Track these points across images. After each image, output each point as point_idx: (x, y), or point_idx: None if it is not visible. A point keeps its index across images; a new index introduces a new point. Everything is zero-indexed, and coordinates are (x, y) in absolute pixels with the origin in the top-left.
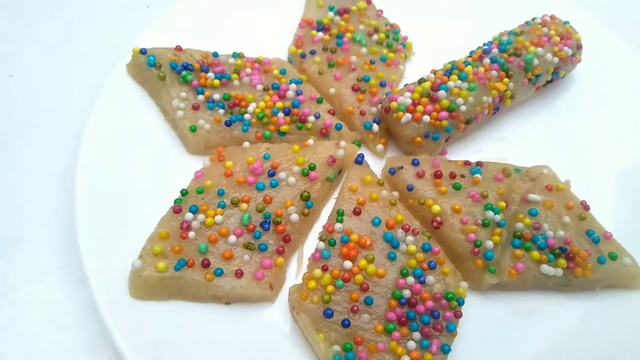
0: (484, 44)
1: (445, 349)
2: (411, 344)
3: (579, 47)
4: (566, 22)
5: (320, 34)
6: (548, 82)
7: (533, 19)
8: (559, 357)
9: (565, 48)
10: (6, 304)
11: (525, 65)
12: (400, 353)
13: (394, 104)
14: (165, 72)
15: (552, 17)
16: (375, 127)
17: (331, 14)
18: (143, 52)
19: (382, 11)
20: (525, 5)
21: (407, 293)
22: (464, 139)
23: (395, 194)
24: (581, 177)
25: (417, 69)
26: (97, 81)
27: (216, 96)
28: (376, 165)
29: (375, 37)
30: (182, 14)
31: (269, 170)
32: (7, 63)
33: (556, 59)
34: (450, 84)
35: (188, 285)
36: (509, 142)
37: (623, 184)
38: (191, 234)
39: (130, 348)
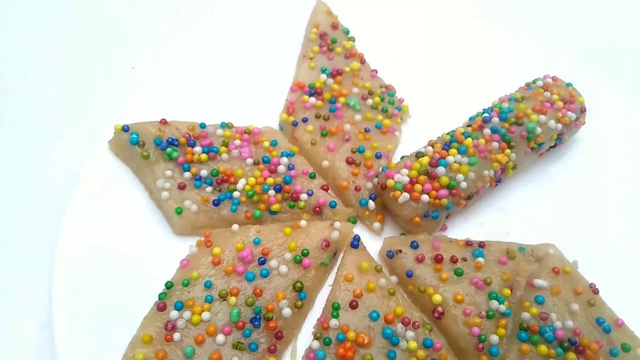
0: (484, 110)
1: None
2: None
3: (582, 111)
4: (569, 85)
5: (313, 99)
6: (551, 147)
7: (534, 81)
8: None
9: (569, 113)
10: None
11: (528, 135)
12: None
13: (390, 182)
14: (149, 151)
15: (554, 79)
16: (372, 204)
17: (324, 76)
18: (125, 129)
19: (376, 71)
20: (525, 64)
21: None
22: (464, 211)
23: (394, 278)
24: (588, 253)
25: (413, 132)
26: (80, 153)
27: (204, 172)
28: (373, 243)
29: (369, 101)
30: (167, 79)
31: (259, 258)
32: None
33: (560, 125)
34: (450, 159)
35: None
36: (511, 214)
37: (633, 259)
38: (176, 335)
39: None
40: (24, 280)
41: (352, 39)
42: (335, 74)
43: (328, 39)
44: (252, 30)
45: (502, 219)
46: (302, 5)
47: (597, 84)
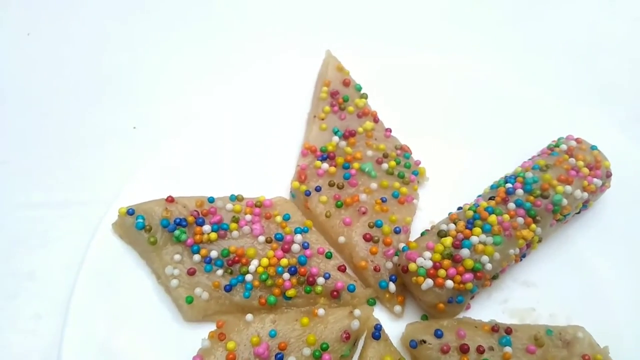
0: (507, 179)
1: None
2: None
3: (608, 176)
4: (594, 148)
5: (325, 164)
6: (576, 213)
7: (558, 145)
8: None
9: (595, 180)
10: None
11: (554, 208)
12: None
13: (412, 266)
14: (155, 235)
15: (579, 141)
16: (392, 286)
17: (336, 138)
18: (130, 212)
19: (390, 130)
20: (546, 121)
21: None
22: (487, 288)
23: None
24: (619, 334)
25: (431, 196)
26: (78, 233)
27: (214, 253)
28: (394, 325)
29: (385, 165)
30: (171, 148)
31: (277, 354)
32: None
33: (585, 194)
34: (474, 239)
35: None
36: (535, 287)
37: None
38: None
39: None
40: None
41: (365, 96)
42: (348, 135)
43: (339, 98)
44: (257, 90)
45: (526, 294)
46: (311, 58)
47: (620, 142)
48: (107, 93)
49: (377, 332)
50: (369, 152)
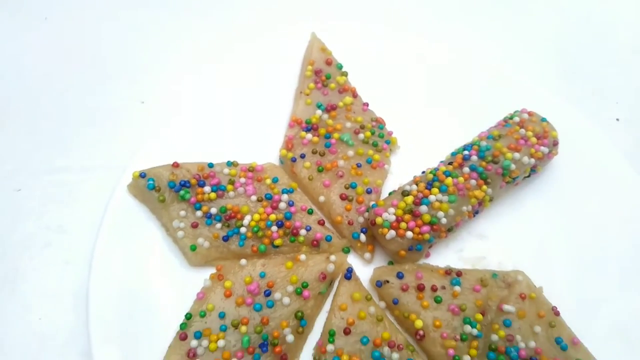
0: (465, 147)
1: None
2: None
3: (555, 144)
4: (544, 120)
5: (309, 135)
6: (526, 177)
7: (512, 117)
8: None
9: (542, 148)
10: None
11: (503, 171)
12: None
13: (379, 220)
14: (164, 194)
15: (530, 114)
16: (363, 237)
17: (319, 111)
18: (142, 176)
19: (367, 105)
20: (505, 97)
21: None
22: (444, 240)
23: (382, 304)
24: (553, 277)
25: (401, 164)
26: (99, 193)
27: (213, 210)
28: (364, 270)
29: (361, 135)
30: (176, 121)
31: (265, 290)
32: (15, 177)
33: (533, 160)
34: (432, 197)
35: None
36: (488, 240)
37: (594, 282)
38: None
39: None
40: (64, 314)
41: (345, 74)
42: (329, 109)
43: (323, 75)
44: (250, 69)
45: (479, 245)
46: (298, 40)
47: (571, 115)
48: (118, 72)
49: (349, 274)
50: (348, 124)
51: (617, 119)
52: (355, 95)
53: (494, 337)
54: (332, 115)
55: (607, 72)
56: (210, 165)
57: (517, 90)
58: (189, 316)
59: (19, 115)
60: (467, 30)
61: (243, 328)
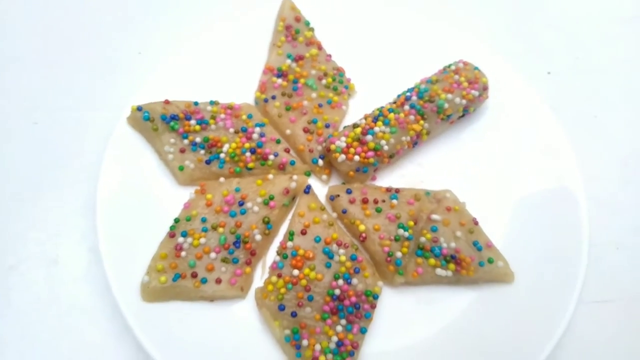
0: (408, 90)
1: (362, 331)
2: (339, 328)
3: (485, 89)
4: (476, 68)
5: (280, 80)
6: (460, 116)
7: (449, 66)
8: (452, 334)
9: (472, 91)
10: (48, 306)
11: (438, 109)
12: (331, 334)
13: (332, 146)
14: (157, 124)
15: (465, 64)
16: (320, 162)
17: (288, 61)
18: (139, 109)
19: (330, 56)
20: (448, 50)
21: (337, 292)
22: (390, 166)
23: (334, 214)
24: (476, 196)
25: (357, 105)
26: (103, 126)
27: (198, 139)
28: (322, 190)
29: (324, 81)
30: (168, 66)
31: (239, 201)
32: (33, 112)
33: (464, 101)
34: (376, 129)
35: (183, 291)
36: (426, 167)
37: (512, 202)
38: (183, 253)
39: (144, 335)
40: (76, 218)
41: (312, 30)
42: (297, 59)
43: (292, 30)
44: (234, 26)
45: (418, 172)
46: (274, 1)
47: (504, 67)
48: (120, 27)
49: (307, 189)
50: (313, 72)
51: (549, 72)
52: (320, 47)
53: (422, 239)
54: (299, 64)
55: (543, 33)
56: (196, 104)
57: (461, 46)
58: (177, 220)
59: (34, 63)
60: None
61: (220, 229)
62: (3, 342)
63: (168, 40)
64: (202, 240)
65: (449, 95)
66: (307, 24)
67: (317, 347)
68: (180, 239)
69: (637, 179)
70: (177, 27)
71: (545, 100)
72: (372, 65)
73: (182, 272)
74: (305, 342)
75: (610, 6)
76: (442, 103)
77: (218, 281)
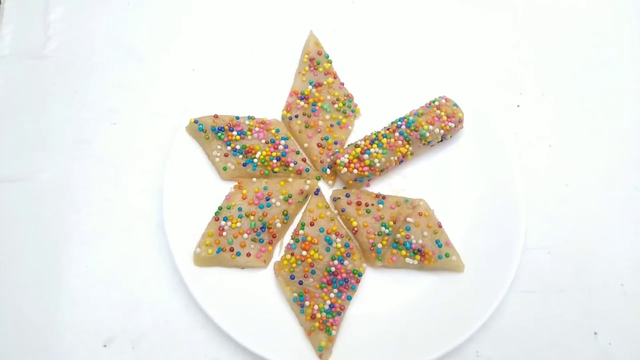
0: (399, 119)
1: (349, 298)
2: (332, 295)
3: (460, 121)
4: (455, 105)
5: (302, 102)
6: (439, 141)
7: (434, 101)
8: (414, 306)
9: (449, 123)
10: (122, 263)
11: (420, 137)
12: (326, 299)
13: (338, 161)
14: (208, 134)
15: (447, 99)
16: (328, 171)
17: (310, 87)
18: (196, 122)
19: (343, 84)
20: (435, 87)
21: (333, 269)
22: (381, 177)
23: (335, 212)
24: (445, 205)
25: (361, 126)
26: (166, 130)
27: (237, 147)
28: (328, 192)
29: (336, 105)
30: (216, 85)
31: (266, 197)
32: (111, 114)
33: (442, 131)
34: (372, 150)
35: (223, 260)
36: (408, 179)
37: (469, 211)
38: (224, 233)
39: (195, 289)
40: (147, 203)
41: (330, 62)
42: (317, 85)
43: (315, 62)
44: (268, 53)
45: (402, 182)
46: (302, 36)
47: (480, 101)
48: (174, 45)
49: (317, 192)
50: (328, 97)
51: (518, 105)
52: (335, 77)
53: (398, 236)
54: (318, 90)
55: (512, 68)
56: (237, 118)
57: (447, 81)
58: (220, 208)
59: (113, 74)
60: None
61: (251, 217)
62: (82, 294)
63: (217, 60)
64: (238, 224)
65: (430, 127)
66: (327, 56)
67: (315, 307)
68: (222, 222)
69: (573, 198)
70: (224, 49)
71: (510, 129)
72: (375, 95)
73: (223, 247)
74: (307, 303)
75: (576, 48)
76: (425, 132)
77: (248, 255)
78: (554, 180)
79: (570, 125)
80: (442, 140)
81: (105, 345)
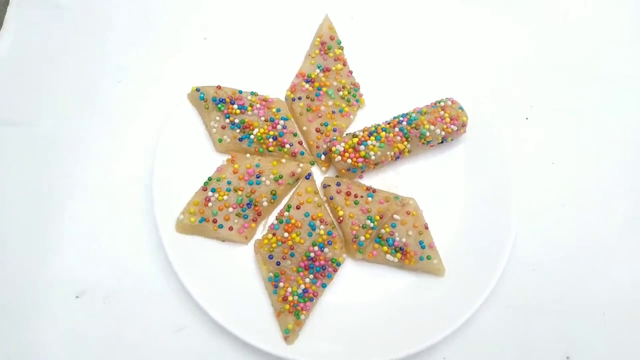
0: (402, 115)
1: (323, 285)
2: (307, 280)
3: (463, 125)
4: (460, 108)
5: (307, 85)
6: (439, 143)
7: (440, 101)
8: (388, 303)
9: (452, 126)
10: (105, 218)
11: (420, 136)
12: (301, 283)
13: (333, 148)
14: (208, 104)
15: (452, 101)
16: (323, 157)
17: (317, 70)
18: (197, 90)
19: (351, 72)
20: (443, 87)
21: (312, 255)
22: (375, 171)
23: (324, 198)
24: (434, 205)
25: (364, 117)
26: (171, 94)
27: (236, 120)
28: (319, 178)
29: (341, 92)
30: (224, 56)
31: (257, 174)
32: (119, 71)
33: (443, 133)
34: (369, 142)
35: (204, 230)
36: (402, 176)
37: (457, 216)
38: (210, 204)
39: (174, 254)
40: (139, 158)
41: (342, 48)
42: (325, 70)
43: (326, 46)
44: (280, 31)
45: (395, 178)
46: (316, 19)
47: (486, 108)
48: (188, 15)
49: (308, 176)
50: (335, 83)
51: (527, 118)
52: (345, 64)
53: (382, 231)
54: (325, 75)
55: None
56: (240, 92)
57: (457, 84)
58: (210, 179)
59: (123, 34)
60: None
61: (239, 192)
62: (62, 244)
63: (229, 32)
64: (225, 197)
65: (432, 127)
66: (339, 42)
67: (289, 289)
68: (210, 193)
69: (568, 220)
70: (238, 22)
71: (515, 141)
72: (383, 85)
73: (206, 217)
74: (281, 284)
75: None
76: (425, 132)
77: (230, 229)
78: (551, 199)
79: (576, 146)
80: (442, 142)
81: (77, 297)
